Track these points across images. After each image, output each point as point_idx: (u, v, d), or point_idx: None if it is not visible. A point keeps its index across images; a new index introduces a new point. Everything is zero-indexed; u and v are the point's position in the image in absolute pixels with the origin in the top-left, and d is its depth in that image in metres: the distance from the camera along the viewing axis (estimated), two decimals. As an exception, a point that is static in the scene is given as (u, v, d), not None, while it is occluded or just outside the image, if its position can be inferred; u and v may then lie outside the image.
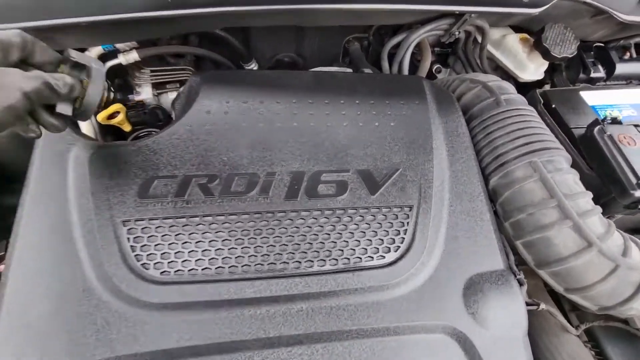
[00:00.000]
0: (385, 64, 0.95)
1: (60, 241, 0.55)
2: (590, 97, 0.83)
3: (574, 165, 0.71)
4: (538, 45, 0.87)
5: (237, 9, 0.72)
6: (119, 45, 1.00)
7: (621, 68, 0.92)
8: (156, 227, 0.57)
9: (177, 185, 0.60)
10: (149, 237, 0.57)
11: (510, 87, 0.80)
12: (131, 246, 0.56)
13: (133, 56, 1.01)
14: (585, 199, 0.63)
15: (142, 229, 0.57)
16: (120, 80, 1.15)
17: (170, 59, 1.16)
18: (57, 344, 0.50)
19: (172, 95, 1.17)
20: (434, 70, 1.13)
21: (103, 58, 1.01)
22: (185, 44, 1.12)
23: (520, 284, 0.62)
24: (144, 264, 0.55)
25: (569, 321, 0.75)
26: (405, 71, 0.93)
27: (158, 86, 1.16)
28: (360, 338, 0.56)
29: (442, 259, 0.61)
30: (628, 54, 0.98)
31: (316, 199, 0.62)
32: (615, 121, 0.72)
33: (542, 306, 0.64)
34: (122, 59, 1.00)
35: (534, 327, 0.60)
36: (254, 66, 1.17)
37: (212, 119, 0.66)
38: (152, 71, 1.11)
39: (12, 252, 0.54)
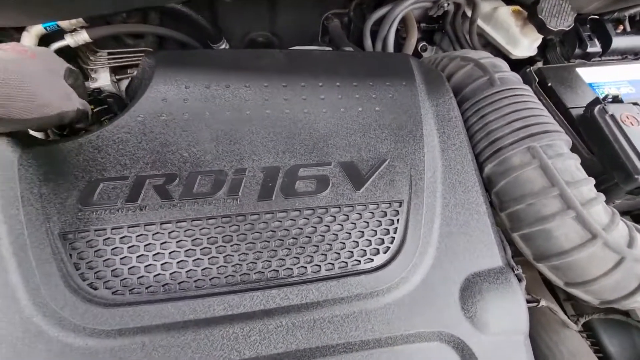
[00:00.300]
0: (368, 42, 0.86)
1: (-15, 261, 0.46)
2: (587, 73, 0.78)
3: (573, 149, 0.65)
4: (532, 18, 0.80)
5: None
6: (63, 24, 0.86)
7: (617, 42, 0.86)
8: (104, 240, 0.48)
9: (128, 188, 0.51)
10: (96, 251, 0.48)
11: (504, 65, 0.73)
12: (74, 264, 0.47)
13: (83, 37, 0.88)
14: (588, 187, 0.58)
15: (87, 242, 0.48)
16: (75, 65, 1.01)
17: (128, 40, 1.03)
18: (-14, 387, 0.42)
19: (133, 81, 1.05)
20: (419, 48, 1.05)
21: (47, 39, 0.88)
22: (145, 22, 1.00)
23: (519, 279, 0.57)
24: (92, 283, 0.47)
25: (564, 311, 0.72)
26: (390, 49, 0.85)
27: (117, 71, 1.03)
28: (348, 352, 0.50)
29: (436, 259, 0.55)
30: (621, 27, 0.93)
31: (294, 198, 0.54)
32: (616, 99, 0.66)
33: (542, 303, 0.59)
34: (69, 41, 0.88)
35: (532, 323, 0.55)
36: (224, 47, 1.06)
37: (168, 107, 0.57)
38: (109, 54, 0.99)
39: None
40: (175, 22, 1.03)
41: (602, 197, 0.58)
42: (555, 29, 0.78)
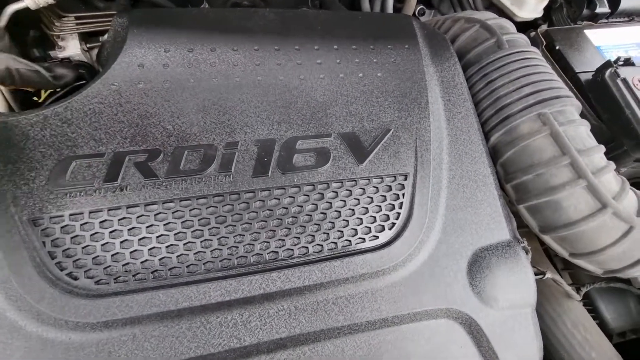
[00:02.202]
0: (365, 4, 0.79)
1: (-56, 252, 0.40)
2: (595, 36, 0.74)
3: (581, 115, 0.62)
4: (542, -26, 0.74)
5: None
6: (17, -18, 0.75)
7: (625, 3, 0.82)
8: (82, 225, 0.43)
9: (106, 166, 0.45)
10: (72, 238, 0.43)
11: (511, 26, 0.68)
12: (49, 252, 0.42)
13: (43, -3, 0.78)
14: (599, 155, 0.55)
15: (62, 228, 0.43)
16: (37, 32, 0.90)
17: (98, 3, 0.93)
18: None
19: (106, 49, 0.95)
20: (416, 12, 0.98)
21: (3, 1, 0.77)
22: (114, -19, 0.89)
23: (526, 252, 0.55)
24: (71, 273, 0.42)
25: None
26: (390, 10, 0.78)
27: (88, 38, 0.93)
28: (353, 334, 0.47)
29: (443, 234, 0.52)
30: (628, -13, 0.88)
31: (292, 173, 0.50)
32: (628, 62, 0.63)
33: (548, 275, 0.58)
34: (29, 2, 0.77)
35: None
36: (205, 10, 0.96)
37: (147, 74, 0.50)
38: (76, 18, 0.88)
39: None
40: (149, -18, 0.92)
41: (613, 165, 0.56)
42: (566, -14, 0.73)
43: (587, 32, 0.74)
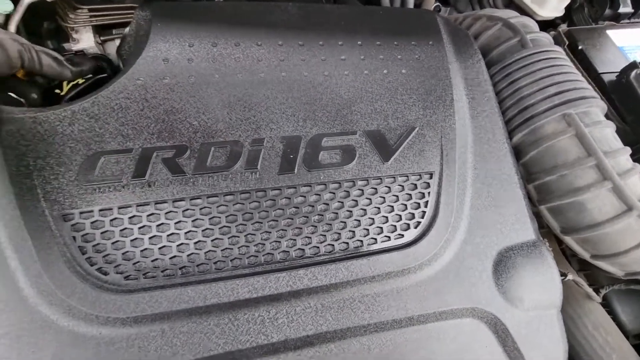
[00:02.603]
0: (385, -2, 0.78)
1: (-25, 247, 0.40)
2: (617, 36, 0.73)
3: (605, 116, 0.62)
4: (566, -28, 0.73)
5: None
6: (34, -26, 0.75)
7: (648, 2, 0.81)
8: (111, 220, 0.43)
9: (134, 162, 0.45)
10: (102, 233, 0.43)
11: (534, 25, 0.67)
12: (79, 247, 0.42)
13: (60, -11, 0.77)
14: (625, 156, 0.55)
15: (92, 223, 0.43)
16: (51, 24, 0.89)
17: (112, -4, 0.92)
18: (-7, 383, 0.38)
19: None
20: (432, 9, 0.97)
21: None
22: (128, -26, 0.88)
23: (550, 253, 0.55)
24: (101, 268, 0.42)
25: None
26: (411, 4, 0.77)
27: (102, 31, 0.92)
28: (379, 332, 0.47)
29: (469, 234, 0.52)
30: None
31: (318, 170, 0.49)
32: (653, 63, 0.62)
33: (570, 277, 0.58)
34: (43, -8, 0.76)
35: (556, 296, 0.53)
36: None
37: (172, 69, 0.50)
38: (90, 10, 0.87)
39: None
40: (163, -25, 0.91)
41: (638, 167, 0.55)
42: (590, -15, 0.72)
43: (610, 32, 0.73)
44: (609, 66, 0.68)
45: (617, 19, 0.82)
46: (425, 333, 0.49)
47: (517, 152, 0.62)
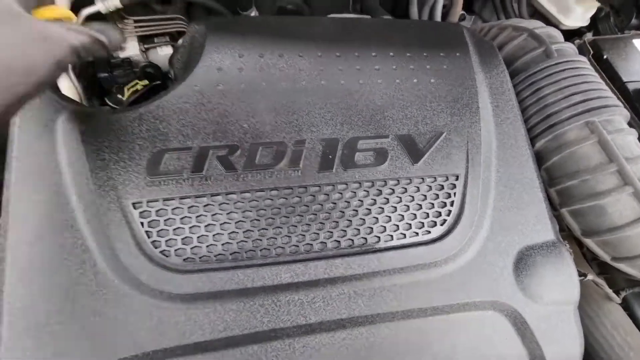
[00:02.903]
0: (414, 9, 0.83)
1: (60, 230, 0.47)
2: (643, 46, 0.75)
3: (629, 124, 0.64)
4: (592, -16, 0.76)
5: None
6: (96, -11, 0.83)
7: (676, 12, 0.82)
8: (173, 209, 0.49)
9: (193, 158, 0.51)
10: (165, 220, 0.49)
11: (559, 35, 0.70)
12: (146, 232, 0.48)
13: (114, 3, 0.85)
14: (647, 163, 0.57)
15: (157, 211, 0.49)
16: None
17: (156, 7, 1.00)
18: (73, 344, 0.44)
19: (162, 50, 1.02)
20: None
21: (78, 5, 0.85)
22: (174, -13, 0.96)
23: (569, 254, 0.58)
24: (164, 251, 0.48)
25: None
26: (438, 17, 0.81)
27: (145, 40, 1.01)
28: (406, 319, 0.52)
29: (491, 232, 0.56)
30: (677, -5, 0.87)
31: (353, 170, 0.54)
32: (678, 73, 0.64)
33: (589, 277, 0.61)
34: (100, 6, 0.85)
35: (576, 297, 0.56)
36: (254, 14, 1.02)
37: (225, 77, 0.56)
38: (136, 22, 0.96)
39: (5, 244, 0.46)
40: (204, -13, 0.99)
41: (660, 173, 0.57)
42: (616, -3, 0.75)
43: (636, 41, 0.75)
44: (635, 75, 0.70)
45: (643, 29, 0.84)
46: (450, 323, 0.53)
47: (540, 158, 0.65)
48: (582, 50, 0.74)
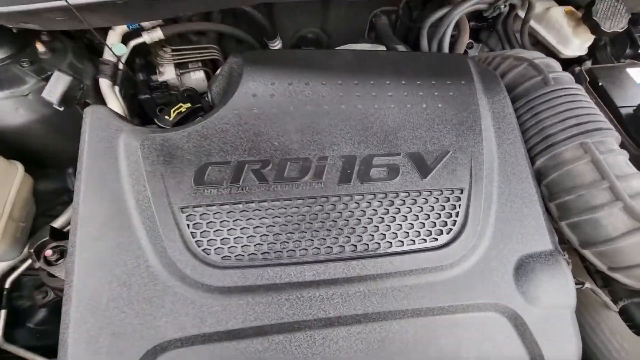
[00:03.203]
0: (424, 42, 0.92)
1: (120, 229, 0.56)
2: (637, 73, 0.81)
3: (622, 146, 0.70)
4: (587, 19, 0.83)
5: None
6: (144, 24, 0.96)
7: (668, 42, 0.89)
8: (214, 213, 0.58)
9: (232, 171, 0.60)
10: (207, 223, 0.57)
11: (557, 65, 0.77)
12: (191, 232, 0.57)
13: (157, 34, 0.98)
14: (637, 180, 0.63)
15: (201, 215, 0.58)
16: (142, 60, 1.12)
17: (192, 37, 1.13)
18: (129, 327, 0.52)
19: (194, 74, 1.15)
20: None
21: (126, 37, 0.98)
22: (207, 20, 1.08)
23: (567, 262, 0.63)
24: (205, 249, 0.57)
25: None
26: (446, 49, 0.90)
27: (180, 66, 1.13)
28: (415, 317, 0.58)
29: (493, 241, 0.62)
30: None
31: (369, 183, 0.62)
32: (667, 100, 0.70)
33: (587, 285, 0.65)
34: (146, 38, 0.97)
35: (576, 304, 0.61)
36: (278, 43, 1.13)
37: (259, 102, 0.65)
38: (173, 50, 1.08)
39: (74, 240, 0.55)
40: (235, 21, 1.11)
41: (650, 190, 0.63)
42: (609, 31, 0.82)
43: (629, 70, 0.82)
44: (628, 101, 0.76)
45: (638, 58, 0.90)
46: (454, 321, 0.58)
47: (540, 174, 0.71)
48: (579, 78, 0.81)
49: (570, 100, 0.70)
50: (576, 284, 0.66)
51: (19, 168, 0.84)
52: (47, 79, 0.81)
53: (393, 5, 1.13)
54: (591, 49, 0.96)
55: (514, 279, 0.60)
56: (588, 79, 0.80)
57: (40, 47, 0.84)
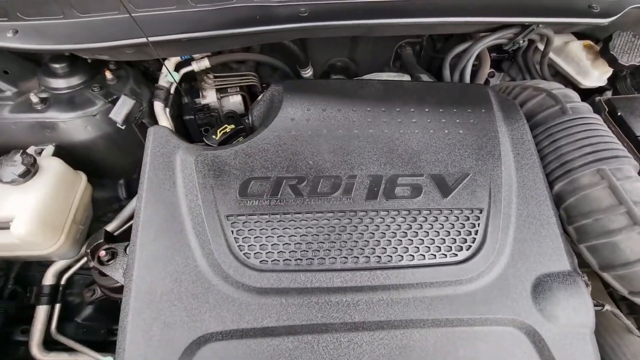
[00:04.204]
0: (446, 72, 0.99)
1: (174, 232, 0.65)
2: (657, 104, 0.84)
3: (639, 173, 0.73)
4: (605, 53, 0.88)
5: (317, 24, 0.79)
6: (195, 54, 1.09)
7: (689, 75, 0.91)
8: (255, 222, 0.66)
9: (271, 185, 0.68)
10: (249, 230, 0.65)
11: (575, 96, 0.82)
12: (235, 238, 0.64)
13: (204, 63, 1.10)
14: (655, 207, 0.65)
15: (243, 223, 0.65)
16: (187, 85, 1.26)
17: (233, 65, 1.26)
18: (178, 319, 0.59)
19: (232, 98, 1.26)
20: (487, 74, 1.15)
21: (178, 65, 1.11)
22: (248, 51, 1.21)
23: (586, 284, 0.65)
24: (246, 253, 0.64)
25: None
26: (467, 79, 0.97)
27: (221, 90, 1.26)
28: (435, 327, 0.62)
29: (511, 259, 0.66)
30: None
31: (393, 200, 0.68)
32: (685, 130, 0.73)
33: (607, 307, 0.67)
34: (195, 67, 1.10)
35: (597, 326, 0.63)
36: (310, 71, 1.24)
37: (296, 125, 0.74)
38: (216, 77, 1.21)
39: (135, 241, 0.64)
40: (271, 50, 1.23)
41: (669, 216, 0.65)
42: (627, 64, 0.86)
43: (649, 100, 0.85)
44: (647, 130, 0.79)
45: (659, 90, 0.93)
46: (473, 334, 0.62)
47: (559, 198, 0.75)
48: (598, 108, 0.85)
49: (588, 129, 0.74)
50: (596, 305, 0.68)
51: (82, 178, 0.96)
52: (112, 102, 0.94)
53: (418, 37, 1.22)
54: (612, 79, 0.99)
55: (531, 296, 0.63)
56: (607, 109, 0.84)
57: (108, 75, 0.98)
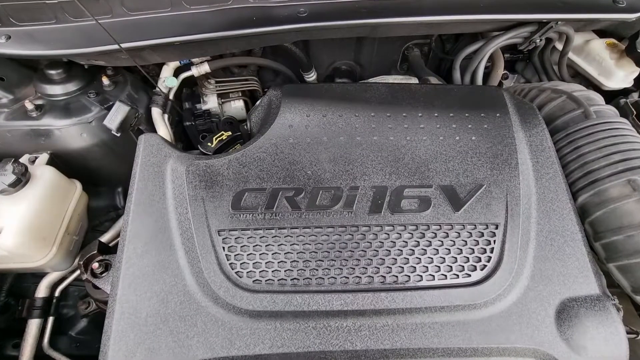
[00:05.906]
0: (457, 74, 0.93)
1: (162, 248, 0.60)
2: (691, 107, 0.76)
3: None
4: (631, 52, 0.81)
5: (317, 25, 0.74)
6: (194, 59, 1.06)
7: None
8: (248, 237, 0.60)
9: (266, 197, 0.63)
10: (241, 246, 0.60)
11: (599, 98, 0.75)
12: (226, 255, 0.60)
13: (204, 68, 1.07)
14: (696, 223, 0.58)
15: (236, 238, 0.60)
16: (188, 90, 1.22)
17: (234, 70, 1.22)
18: (163, 344, 0.55)
19: (234, 103, 1.23)
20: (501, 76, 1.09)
21: (177, 70, 1.08)
22: (249, 55, 1.17)
23: (617, 309, 0.58)
24: (238, 272, 0.59)
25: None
26: (479, 81, 0.90)
27: (222, 95, 1.22)
28: (446, 357, 0.55)
29: (532, 281, 0.59)
30: None
31: (400, 214, 0.62)
32: None
33: (642, 336, 0.60)
34: (194, 71, 1.07)
35: (630, 358, 0.56)
36: (313, 75, 1.19)
37: (294, 132, 0.69)
38: (217, 82, 1.17)
39: (121, 256, 0.60)
40: (274, 54, 1.19)
41: None
42: (657, 63, 0.79)
43: (682, 103, 0.77)
44: (681, 136, 0.71)
45: (692, 91, 0.85)
46: (489, 365, 0.55)
47: (583, 212, 0.68)
48: (624, 112, 0.78)
49: (614, 135, 0.67)
50: (629, 333, 0.61)
51: (77, 186, 0.93)
52: (108, 108, 0.91)
53: (425, 38, 1.16)
54: (638, 80, 0.92)
55: (555, 323, 0.56)
56: (634, 112, 0.77)
57: (105, 81, 0.95)
